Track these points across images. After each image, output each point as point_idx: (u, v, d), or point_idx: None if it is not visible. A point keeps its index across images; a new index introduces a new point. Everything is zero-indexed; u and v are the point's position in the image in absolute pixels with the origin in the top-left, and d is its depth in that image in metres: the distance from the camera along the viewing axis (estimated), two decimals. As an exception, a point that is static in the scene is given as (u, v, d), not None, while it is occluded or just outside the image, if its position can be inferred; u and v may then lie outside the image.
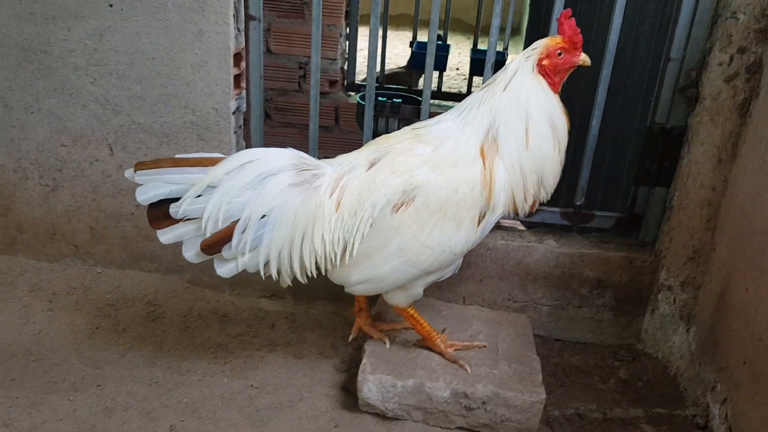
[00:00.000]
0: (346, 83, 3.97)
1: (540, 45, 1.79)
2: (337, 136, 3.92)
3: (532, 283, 2.37)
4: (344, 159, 1.89)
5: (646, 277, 2.34)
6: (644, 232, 2.36)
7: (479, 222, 1.80)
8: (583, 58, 1.80)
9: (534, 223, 2.44)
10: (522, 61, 1.79)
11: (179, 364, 2.17)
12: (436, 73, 4.42)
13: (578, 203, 2.33)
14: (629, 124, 2.60)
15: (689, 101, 2.15)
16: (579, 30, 1.77)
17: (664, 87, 2.17)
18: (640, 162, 2.27)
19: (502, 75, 1.80)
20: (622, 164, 2.63)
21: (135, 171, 1.75)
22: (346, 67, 3.94)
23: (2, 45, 2.27)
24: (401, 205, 1.77)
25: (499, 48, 4.52)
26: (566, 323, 2.42)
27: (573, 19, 1.77)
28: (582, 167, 2.30)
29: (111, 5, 2.18)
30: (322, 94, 3.65)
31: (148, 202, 1.75)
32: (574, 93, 2.92)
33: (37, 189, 2.46)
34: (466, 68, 5.79)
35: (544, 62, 1.77)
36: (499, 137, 1.77)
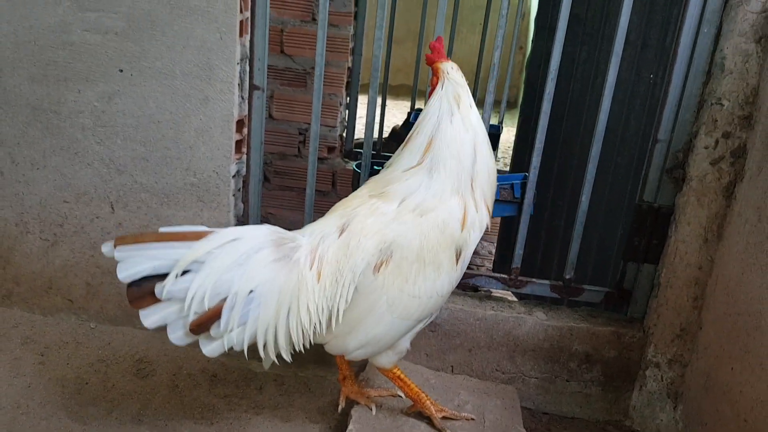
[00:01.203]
0: (344, 150, 4.04)
1: (453, 71, 1.93)
2: (333, 200, 3.92)
3: (521, 355, 2.39)
4: (314, 228, 1.90)
5: (635, 353, 2.36)
6: (633, 308, 2.38)
7: (457, 260, 1.86)
8: None
9: (524, 294, 2.48)
10: (450, 100, 1.90)
11: (166, 422, 2.16)
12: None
13: (568, 277, 2.37)
14: (619, 201, 2.65)
15: (676, 182, 2.21)
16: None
17: (652, 167, 2.23)
18: (628, 238, 2.32)
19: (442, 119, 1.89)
20: (611, 240, 2.68)
21: (115, 246, 1.67)
22: (344, 135, 4.02)
23: (14, 104, 2.34)
24: (381, 264, 1.81)
25: (495, 121, 4.64)
26: (554, 396, 2.43)
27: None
28: (572, 241, 2.35)
29: (121, 70, 2.26)
30: (320, 159, 3.70)
31: (131, 279, 1.68)
32: (565, 168, 3.00)
33: (37, 243, 2.50)
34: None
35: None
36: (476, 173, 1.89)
